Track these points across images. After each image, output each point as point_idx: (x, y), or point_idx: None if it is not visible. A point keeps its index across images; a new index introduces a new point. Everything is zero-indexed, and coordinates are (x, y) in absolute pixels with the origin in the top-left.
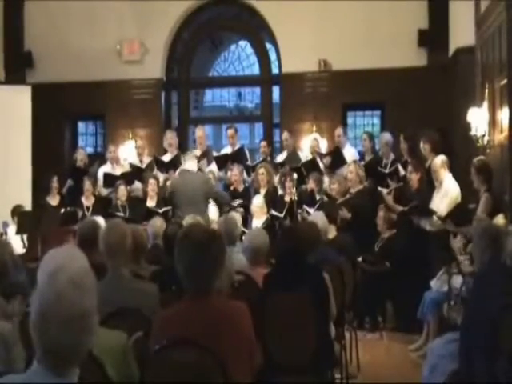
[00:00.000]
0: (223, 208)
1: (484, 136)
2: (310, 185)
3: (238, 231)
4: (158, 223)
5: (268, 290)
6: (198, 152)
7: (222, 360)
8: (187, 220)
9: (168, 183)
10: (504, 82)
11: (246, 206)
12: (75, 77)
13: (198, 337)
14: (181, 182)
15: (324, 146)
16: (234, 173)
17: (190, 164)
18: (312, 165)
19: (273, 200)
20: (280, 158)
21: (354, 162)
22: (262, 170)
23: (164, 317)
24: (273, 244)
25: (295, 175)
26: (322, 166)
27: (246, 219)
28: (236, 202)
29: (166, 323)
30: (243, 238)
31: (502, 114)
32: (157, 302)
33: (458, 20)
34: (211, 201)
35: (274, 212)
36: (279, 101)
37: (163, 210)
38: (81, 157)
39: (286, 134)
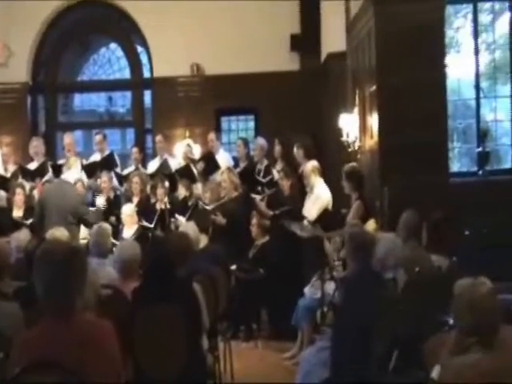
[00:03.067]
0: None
1: (355, 141)
2: (182, 192)
3: (108, 243)
4: (21, 236)
5: (137, 305)
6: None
7: (87, 383)
8: (50, 234)
9: (34, 192)
10: (373, 88)
11: (118, 216)
12: None
13: (60, 358)
14: (52, 192)
15: (197, 151)
16: (104, 180)
17: (70, 173)
18: (185, 171)
19: (145, 209)
20: (152, 164)
21: (228, 169)
22: (136, 179)
23: (25, 338)
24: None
25: (167, 183)
26: (195, 172)
27: (118, 229)
28: (100, 203)
29: (27, 344)
30: (114, 249)
31: (372, 120)
32: (19, 321)
33: (329, 25)
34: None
35: (144, 222)
36: (151, 106)
37: (30, 221)
38: None
39: (159, 137)
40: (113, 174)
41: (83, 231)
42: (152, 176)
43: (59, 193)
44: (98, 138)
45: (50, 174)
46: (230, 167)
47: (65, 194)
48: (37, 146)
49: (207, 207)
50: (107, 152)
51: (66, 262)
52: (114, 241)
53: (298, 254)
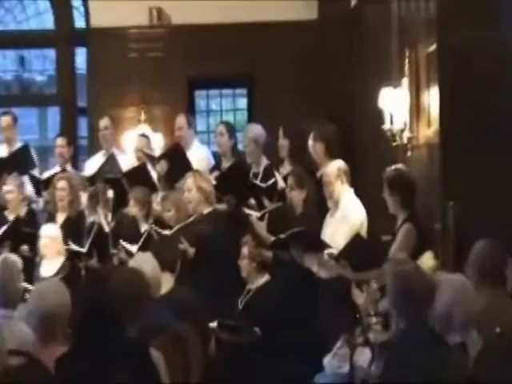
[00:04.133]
0: None
1: (403, 131)
2: (133, 208)
3: (17, 286)
4: None
5: (63, 381)
6: None
7: None
8: None
9: None
10: (433, 47)
11: (33, 243)
12: None
13: None
14: None
15: (159, 144)
16: (10, 188)
17: None
18: (139, 175)
19: (76, 230)
20: (91, 163)
21: (195, 173)
22: (61, 184)
23: None
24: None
25: (111, 192)
26: (154, 176)
27: (33, 263)
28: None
29: None
30: (27, 296)
31: (431, 98)
32: None
33: None
34: None
35: (74, 247)
36: (86, 72)
37: None
38: None
39: (106, 121)
40: (26, 179)
41: None
42: (90, 180)
43: None
44: (3, 121)
45: None
46: (200, 170)
47: None
48: None
49: (166, 232)
50: (18, 144)
51: None
52: (25, 284)
53: (313, 303)
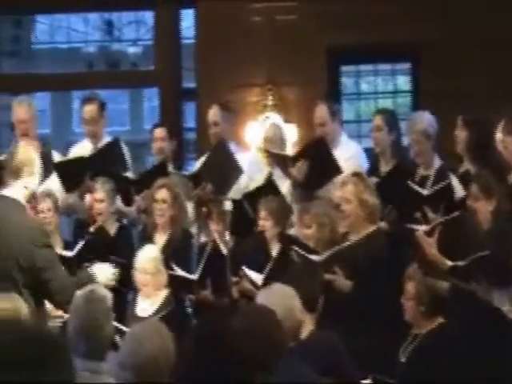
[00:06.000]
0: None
1: None
2: (264, 221)
3: (107, 330)
4: None
5: None
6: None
7: None
8: None
9: None
10: None
11: (126, 270)
12: None
13: None
14: None
15: (292, 138)
16: (99, 196)
17: (20, 183)
18: (268, 185)
19: (182, 254)
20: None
21: (356, 175)
22: (161, 195)
23: None
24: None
25: (228, 203)
26: (287, 182)
27: (125, 299)
28: (101, 266)
29: None
30: (119, 342)
31: None
32: None
33: None
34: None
35: (182, 273)
36: (194, 42)
37: None
38: None
39: (215, 111)
40: (115, 184)
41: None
42: (194, 179)
43: None
44: (87, 108)
45: None
46: (360, 172)
47: (7, 224)
48: None
49: (314, 257)
50: (106, 138)
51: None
52: (118, 324)
53: (505, 357)
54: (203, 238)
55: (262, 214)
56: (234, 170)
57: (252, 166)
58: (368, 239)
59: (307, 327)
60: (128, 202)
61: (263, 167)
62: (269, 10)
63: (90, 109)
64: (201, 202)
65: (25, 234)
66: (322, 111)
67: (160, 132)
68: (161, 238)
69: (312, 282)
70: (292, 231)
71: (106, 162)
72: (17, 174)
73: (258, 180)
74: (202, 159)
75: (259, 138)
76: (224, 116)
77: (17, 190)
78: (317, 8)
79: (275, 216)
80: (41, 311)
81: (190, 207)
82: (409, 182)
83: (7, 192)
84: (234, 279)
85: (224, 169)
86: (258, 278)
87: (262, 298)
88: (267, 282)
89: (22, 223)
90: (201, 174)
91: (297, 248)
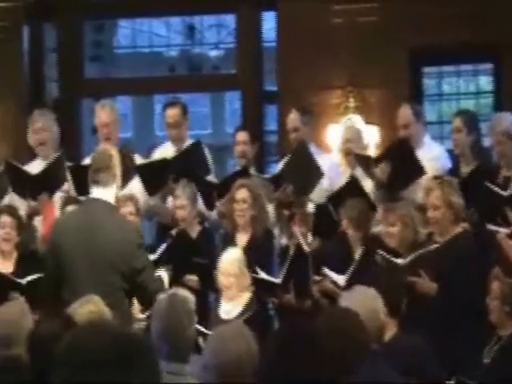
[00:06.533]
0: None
1: None
2: (347, 229)
3: (189, 332)
4: (14, 309)
5: None
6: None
7: None
8: (79, 309)
9: (37, 223)
10: None
11: (208, 273)
12: None
13: None
14: (76, 225)
15: (374, 140)
16: (181, 200)
17: (109, 186)
18: (352, 186)
19: (264, 255)
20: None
21: (440, 178)
22: (241, 194)
23: None
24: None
25: (311, 205)
26: (370, 184)
27: (206, 301)
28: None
29: None
30: (202, 344)
31: None
32: None
33: None
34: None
35: (265, 276)
36: (276, 45)
37: (29, 278)
38: None
39: (294, 116)
40: (197, 187)
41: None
42: (274, 181)
43: (90, 227)
44: (170, 112)
45: (68, 186)
46: (442, 174)
47: (102, 228)
48: (43, 127)
49: (398, 260)
50: (187, 141)
51: (111, 368)
52: (200, 327)
53: None
54: (284, 241)
55: (344, 222)
56: (315, 173)
57: (333, 168)
58: (455, 240)
59: (391, 330)
60: (210, 205)
61: (344, 169)
62: (350, 11)
63: (173, 113)
64: (282, 205)
65: (122, 236)
66: (405, 112)
67: (242, 136)
68: (242, 239)
69: (395, 285)
70: (376, 229)
71: (188, 164)
72: (104, 177)
73: (341, 182)
74: (283, 161)
75: (340, 139)
76: (303, 120)
77: (107, 193)
78: (398, 9)
79: (356, 223)
80: (129, 313)
81: (270, 209)
82: (488, 183)
83: (97, 194)
84: (316, 278)
85: (305, 171)
86: (340, 279)
87: (346, 299)
88: (350, 283)
89: (117, 226)
90: (282, 177)
91: (381, 251)
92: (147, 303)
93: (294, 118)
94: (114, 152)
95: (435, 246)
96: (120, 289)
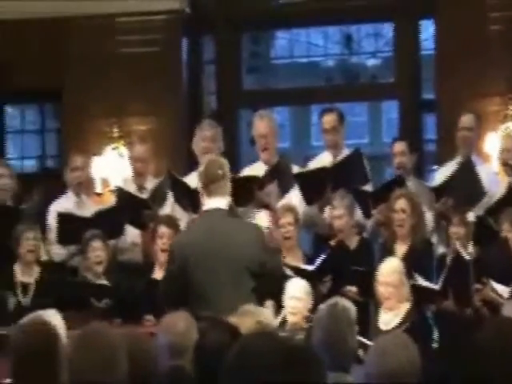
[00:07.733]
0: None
1: None
2: (505, 235)
3: (351, 342)
4: (180, 324)
5: None
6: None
7: None
8: (241, 320)
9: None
10: None
11: (367, 281)
12: None
13: None
14: (201, 237)
15: None
16: (338, 212)
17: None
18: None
19: (424, 263)
20: (441, 174)
21: None
22: (401, 204)
23: None
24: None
25: (471, 214)
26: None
27: (367, 310)
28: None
29: None
30: (362, 355)
31: None
32: None
33: None
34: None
35: (424, 283)
36: (435, 53)
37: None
38: (3, 182)
39: (469, 117)
40: (354, 197)
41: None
42: (437, 192)
43: (218, 236)
44: (327, 118)
45: None
46: None
47: (229, 235)
48: (211, 136)
49: None
50: (344, 149)
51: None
52: (361, 338)
53: None
54: (442, 249)
55: (505, 226)
56: (479, 191)
57: (491, 178)
58: None
59: None
60: (368, 214)
61: (502, 178)
62: (507, 18)
63: (330, 118)
64: (442, 215)
65: (251, 240)
66: None
67: (400, 146)
68: (401, 249)
69: None
70: None
71: (347, 173)
72: (219, 186)
73: (499, 191)
74: (445, 172)
75: (498, 148)
76: (477, 124)
77: (223, 202)
78: None
79: None
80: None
81: (429, 217)
82: None
83: (214, 204)
84: (477, 286)
85: (468, 188)
86: (504, 290)
87: (510, 309)
88: None
89: (245, 231)
90: (444, 188)
91: None
92: (277, 290)
93: (469, 118)
94: (224, 161)
95: None
96: (253, 291)
